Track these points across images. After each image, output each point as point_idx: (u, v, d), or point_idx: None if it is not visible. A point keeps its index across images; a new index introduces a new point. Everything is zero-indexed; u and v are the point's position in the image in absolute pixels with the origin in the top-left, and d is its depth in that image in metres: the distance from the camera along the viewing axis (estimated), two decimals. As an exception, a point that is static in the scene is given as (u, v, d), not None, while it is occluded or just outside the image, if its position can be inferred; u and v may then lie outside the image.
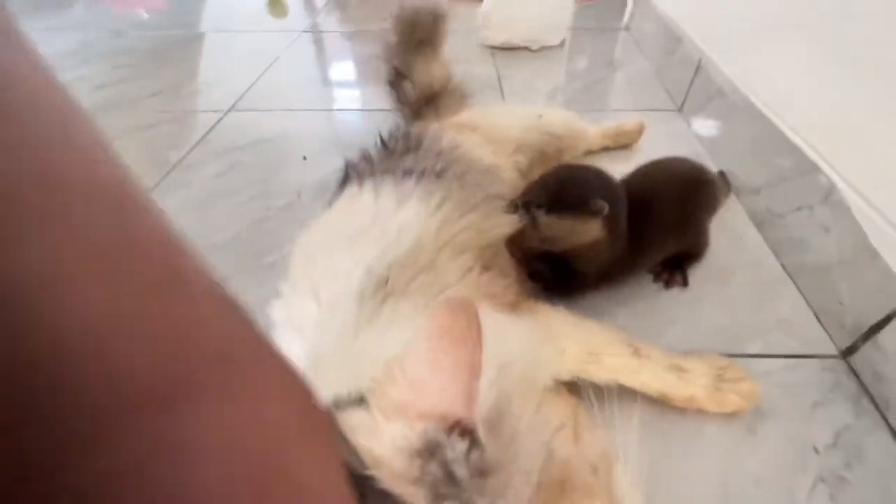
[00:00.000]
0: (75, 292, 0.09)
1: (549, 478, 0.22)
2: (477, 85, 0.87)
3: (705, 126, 0.80)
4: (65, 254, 0.09)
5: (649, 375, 0.40)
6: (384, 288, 0.36)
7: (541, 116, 0.61)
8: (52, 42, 1.19)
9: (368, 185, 0.42)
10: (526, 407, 0.25)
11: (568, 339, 0.40)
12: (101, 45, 1.19)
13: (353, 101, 0.99)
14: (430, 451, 0.19)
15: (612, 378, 0.39)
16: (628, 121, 0.77)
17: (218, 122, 0.87)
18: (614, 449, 0.27)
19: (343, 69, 1.15)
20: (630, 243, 0.48)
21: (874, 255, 0.46)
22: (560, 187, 0.47)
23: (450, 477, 0.19)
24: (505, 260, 0.45)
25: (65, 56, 1.12)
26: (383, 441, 0.20)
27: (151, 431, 0.09)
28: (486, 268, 0.41)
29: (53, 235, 0.09)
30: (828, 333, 0.50)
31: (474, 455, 0.19)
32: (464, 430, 0.20)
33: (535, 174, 0.52)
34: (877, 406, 0.44)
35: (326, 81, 1.08)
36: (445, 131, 0.52)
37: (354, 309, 0.35)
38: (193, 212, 0.67)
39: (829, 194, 0.51)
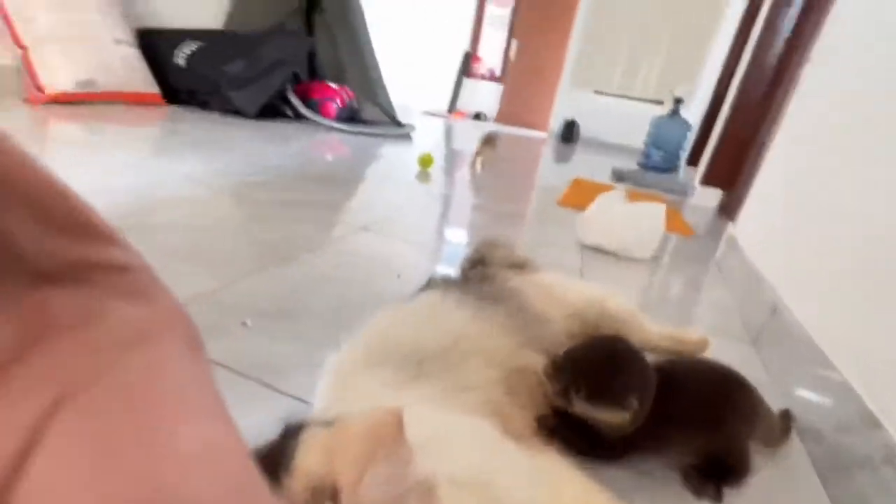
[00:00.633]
0: None
1: None
2: (560, 270, 1.00)
3: (775, 364, 0.80)
4: None
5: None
6: (418, 367, 0.43)
7: (604, 299, 0.69)
8: (273, 160, 1.67)
9: (440, 292, 0.53)
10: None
11: (567, 496, 0.41)
12: (304, 166, 1.63)
13: (457, 243, 1.19)
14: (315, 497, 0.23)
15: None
16: (693, 332, 0.81)
17: (349, 233, 1.10)
18: None
19: (457, 222, 1.40)
20: (654, 421, 0.49)
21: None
22: (599, 378, 0.50)
23: None
24: (528, 396, 0.49)
25: (274, 168, 1.56)
26: (306, 462, 0.24)
27: None
28: (509, 391, 0.46)
29: None
30: None
31: None
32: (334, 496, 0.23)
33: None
34: None
35: (440, 229, 1.32)
36: (516, 279, 0.63)
37: (391, 370, 0.42)
38: (313, 284, 0.83)
39: (893, 455, 0.49)
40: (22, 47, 1.72)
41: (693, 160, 3.42)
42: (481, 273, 0.61)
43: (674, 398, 0.52)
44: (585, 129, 5.17)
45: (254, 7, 2.63)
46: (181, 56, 2.22)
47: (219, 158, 1.50)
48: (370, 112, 2.87)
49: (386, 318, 0.51)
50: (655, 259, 1.30)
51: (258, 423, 0.25)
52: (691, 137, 3.71)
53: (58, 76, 1.75)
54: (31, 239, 0.09)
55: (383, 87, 3.13)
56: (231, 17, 2.66)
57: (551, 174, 2.76)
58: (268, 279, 0.80)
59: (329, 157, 1.93)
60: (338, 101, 2.65)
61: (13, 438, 0.09)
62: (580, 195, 1.98)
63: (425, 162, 1.97)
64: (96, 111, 1.81)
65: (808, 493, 0.56)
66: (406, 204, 1.42)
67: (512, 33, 5.66)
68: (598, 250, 1.28)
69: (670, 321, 0.78)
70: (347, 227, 1.13)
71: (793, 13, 2.14)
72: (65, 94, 1.77)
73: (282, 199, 1.24)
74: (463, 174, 2.13)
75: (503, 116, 5.78)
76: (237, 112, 2.29)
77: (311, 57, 2.72)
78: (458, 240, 1.27)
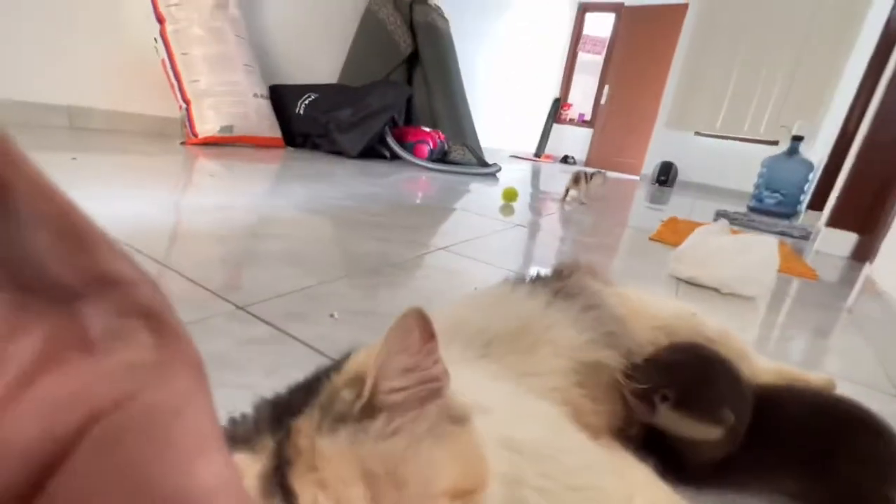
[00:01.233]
0: None
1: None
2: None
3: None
4: None
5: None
6: (486, 348, 0.43)
7: (695, 314, 0.63)
8: (368, 190, 1.83)
9: (510, 284, 0.53)
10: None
11: (638, 497, 0.37)
12: (394, 197, 1.76)
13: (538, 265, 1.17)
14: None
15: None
16: (816, 375, 0.69)
17: (431, 252, 1.15)
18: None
19: (539, 249, 1.38)
20: (747, 449, 0.43)
21: None
22: (691, 384, 0.44)
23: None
24: (603, 392, 0.46)
25: (368, 197, 1.70)
26: (350, 362, 0.26)
27: None
28: (580, 383, 0.43)
29: None
30: None
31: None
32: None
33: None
34: None
35: (521, 252, 1.31)
36: (597, 284, 0.60)
37: (459, 348, 0.42)
38: (393, 290, 0.87)
39: None
40: (186, 101, 2.13)
41: (815, 204, 3.04)
42: (558, 274, 0.59)
43: (780, 424, 0.44)
44: (683, 171, 4.88)
45: (365, 63, 2.99)
46: (301, 106, 2.58)
47: (322, 188, 1.69)
48: (459, 154, 3.03)
49: (455, 303, 0.52)
50: (768, 299, 1.15)
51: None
52: (814, 179, 3.32)
53: (207, 124, 2.14)
54: (56, 258, 0.10)
55: (473, 132, 3.30)
56: (346, 71, 3.05)
57: (644, 216, 2.62)
58: (354, 283, 0.86)
59: (418, 191, 2.05)
60: (430, 143, 2.84)
61: (47, 442, 0.09)
62: (676, 232, 1.84)
63: (509, 195, 2.00)
64: (232, 151, 2.18)
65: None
66: (488, 231, 1.45)
67: (604, 79, 5.67)
68: (694, 284, 1.17)
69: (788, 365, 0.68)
70: (429, 247, 1.18)
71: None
72: (211, 138, 2.16)
73: (373, 222, 1.34)
74: (549, 209, 2.12)
75: (592, 160, 5.69)
76: (341, 153, 2.57)
77: (408, 103, 2.98)
78: (540, 263, 1.25)
